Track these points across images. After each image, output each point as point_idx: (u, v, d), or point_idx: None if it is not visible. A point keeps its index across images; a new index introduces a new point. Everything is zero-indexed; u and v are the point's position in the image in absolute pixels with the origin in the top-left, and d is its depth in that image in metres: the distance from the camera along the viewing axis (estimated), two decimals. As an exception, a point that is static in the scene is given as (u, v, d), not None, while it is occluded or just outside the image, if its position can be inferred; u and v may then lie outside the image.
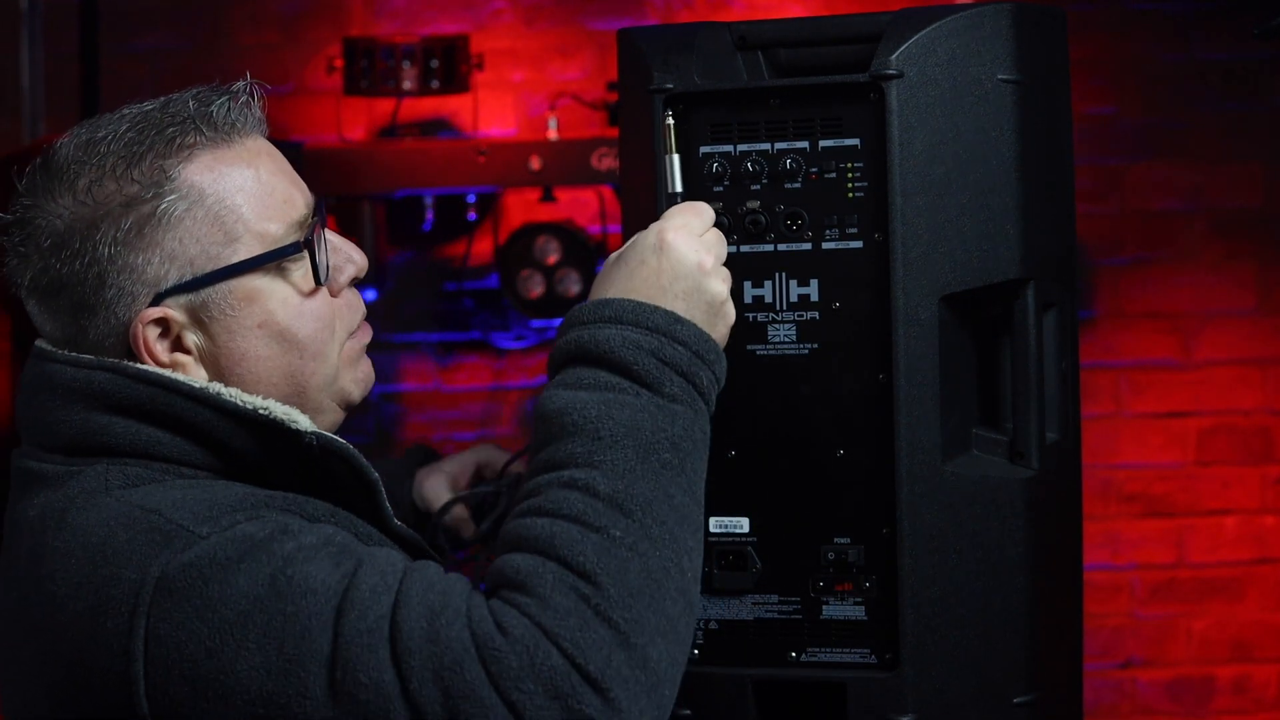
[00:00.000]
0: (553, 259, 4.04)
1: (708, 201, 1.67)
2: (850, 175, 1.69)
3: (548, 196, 4.07)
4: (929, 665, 1.67)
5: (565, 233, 4.05)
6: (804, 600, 1.71)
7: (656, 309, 1.52)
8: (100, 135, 1.51)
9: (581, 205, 4.18)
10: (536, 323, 4.11)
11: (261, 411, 1.48)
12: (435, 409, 4.23)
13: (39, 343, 1.55)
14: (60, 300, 1.51)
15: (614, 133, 3.89)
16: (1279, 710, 4.25)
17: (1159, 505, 4.27)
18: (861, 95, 1.67)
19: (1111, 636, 4.26)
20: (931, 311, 1.66)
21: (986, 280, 1.68)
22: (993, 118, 1.67)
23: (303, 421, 1.49)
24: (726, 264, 1.62)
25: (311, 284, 1.54)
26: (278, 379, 1.53)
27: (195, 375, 1.52)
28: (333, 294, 1.58)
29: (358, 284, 1.64)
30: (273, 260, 1.52)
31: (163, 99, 1.56)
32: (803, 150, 1.70)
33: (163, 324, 1.50)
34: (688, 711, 1.74)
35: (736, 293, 1.68)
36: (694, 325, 1.52)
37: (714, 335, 1.56)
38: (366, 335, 1.63)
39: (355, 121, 4.12)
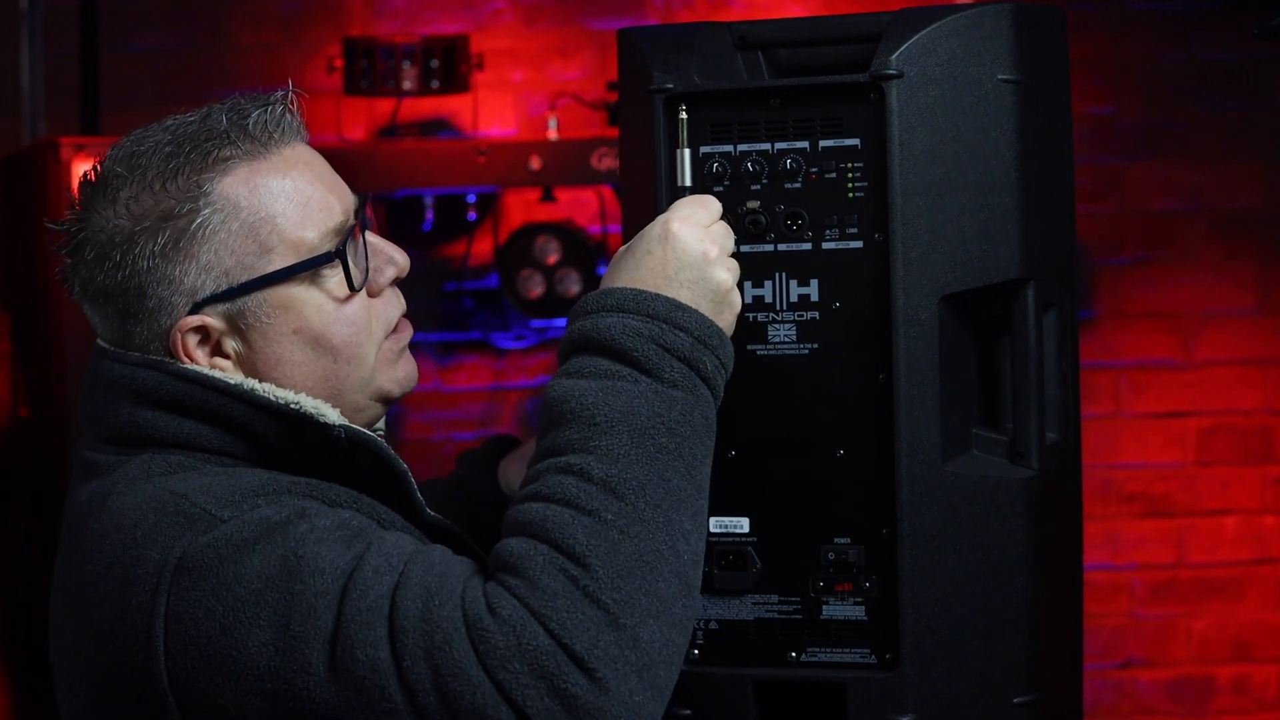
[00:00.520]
0: (553, 259, 4.04)
1: (708, 201, 1.67)
2: (850, 175, 1.69)
3: (548, 196, 4.07)
4: (929, 665, 1.67)
5: (565, 233, 4.05)
6: (804, 600, 1.71)
7: (657, 296, 1.54)
8: (141, 149, 1.57)
9: (581, 205, 4.18)
10: (536, 323, 4.12)
11: (293, 406, 1.54)
12: (435, 409, 4.23)
13: (98, 341, 1.62)
14: (108, 307, 1.57)
15: (614, 133, 3.89)
16: (1279, 710, 4.26)
17: (1159, 505, 4.27)
18: (862, 95, 1.67)
19: (1111, 636, 4.26)
20: (931, 311, 1.66)
21: (986, 280, 1.68)
22: (993, 118, 1.67)
23: (331, 415, 1.54)
24: None
25: (346, 290, 1.59)
26: (314, 381, 1.58)
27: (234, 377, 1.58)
28: (373, 295, 1.63)
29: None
30: (305, 270, 1.57)
31: (205, 110, 1.60)
32: (803, 150, 1.70)
33: (202, 331, 1.56)
34: (688, 711, 1.74)
35: (737, 293, 1.69)
36: (696, 312, 1.55)
37: (719, 323, 1.58)
38: (406, 333, 1.68)
39: (355, 121, 4.12)
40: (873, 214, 1.68)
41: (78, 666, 1.52)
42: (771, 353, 1.71)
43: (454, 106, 4.15)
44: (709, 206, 1.63)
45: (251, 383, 1.55)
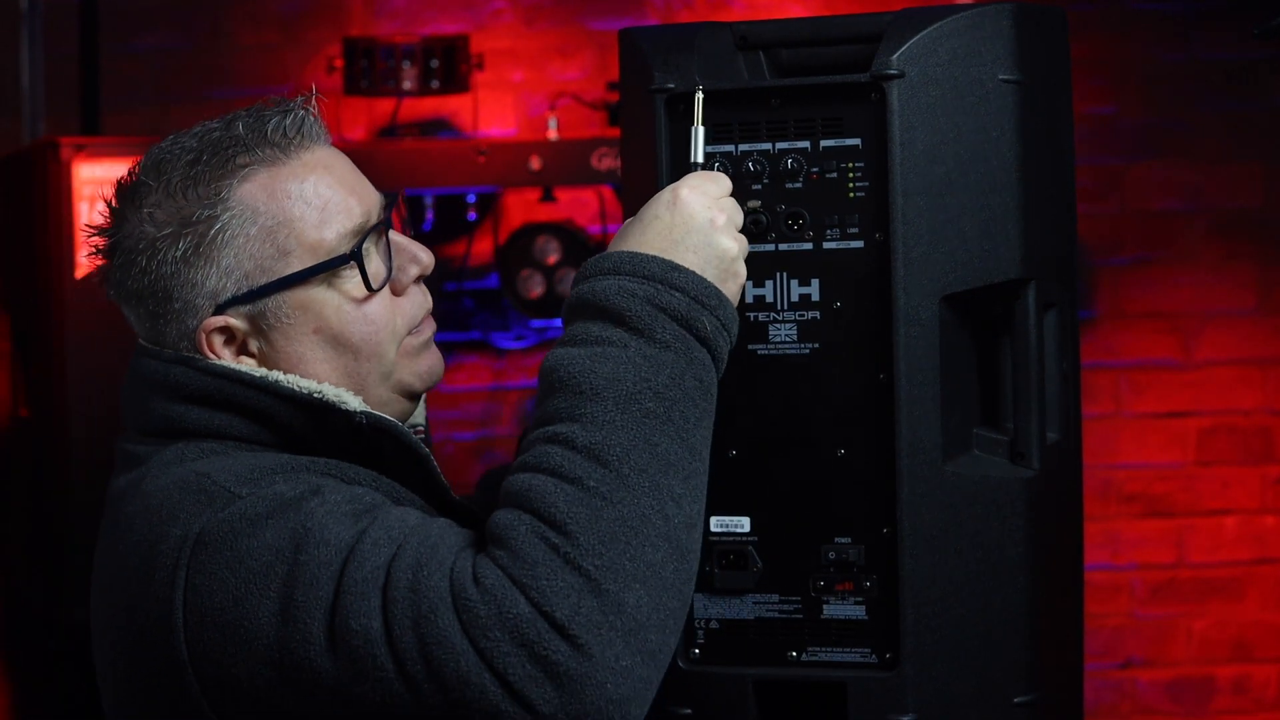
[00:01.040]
0: (553, 259, 4.04)
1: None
2: (851, 175, 1.69)
3: (548, 196, 4.07)
4: (929, 665, 1.67)
5: (565, 233, 4.05)
6: (804, 600, 1.72)
7: (654, 258, 1.56)
8: (167, 156, 1.62)
9: (581, 205, 4.18)
10: (536, 323, 4.12)
11: (315, 395, 1.58)
12: (435, 409, 4.21)
13: (138, 339, 1.68)
14: (140, 309, 1.64)
15: (614, 133, 3.89)
16: (1279, 710, 4.26)
17: (1159, 505, 4.27)
18: (862, 95, 1.67)
19: (1111, 636, 4.27)
20: (932, 311, 1.66)
21: (987, 280, 1.68)
22: (993, 118, 1.67)
23: (353, 402, 1.59)
24: None
25: (365, 291, 1.62)
26: (336, 378, 1.62)
27: None
28: (397, 293, 1.66)
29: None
30: (322, 272, 1.61)
31: (230, 116, 1.65)
32: (804, 150, 1.70)
33: (226, 331, 1.62)
34: (688, 711, 1.74)
35: (737, 292, 1.69)
36: (693, 273, 1.56)
37: (724, 290, 1.58)
38: (428, 329, 1.70)
39: (355, 121, 4.12)
40: (873, 214, 1.68)
41: (112, 642, 1.57)
42: (772, 352, 1.71)
43: (454, 106, 4.15)
44: (719, 180, 1.64)
45: (276, 374, 1.60)
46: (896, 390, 1.66)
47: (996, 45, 1.67)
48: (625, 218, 1.79)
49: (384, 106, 4.10)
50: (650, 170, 1.72)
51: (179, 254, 1.59)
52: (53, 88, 4.10)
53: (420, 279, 1.69)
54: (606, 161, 3.84)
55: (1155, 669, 4.28)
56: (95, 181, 3.41)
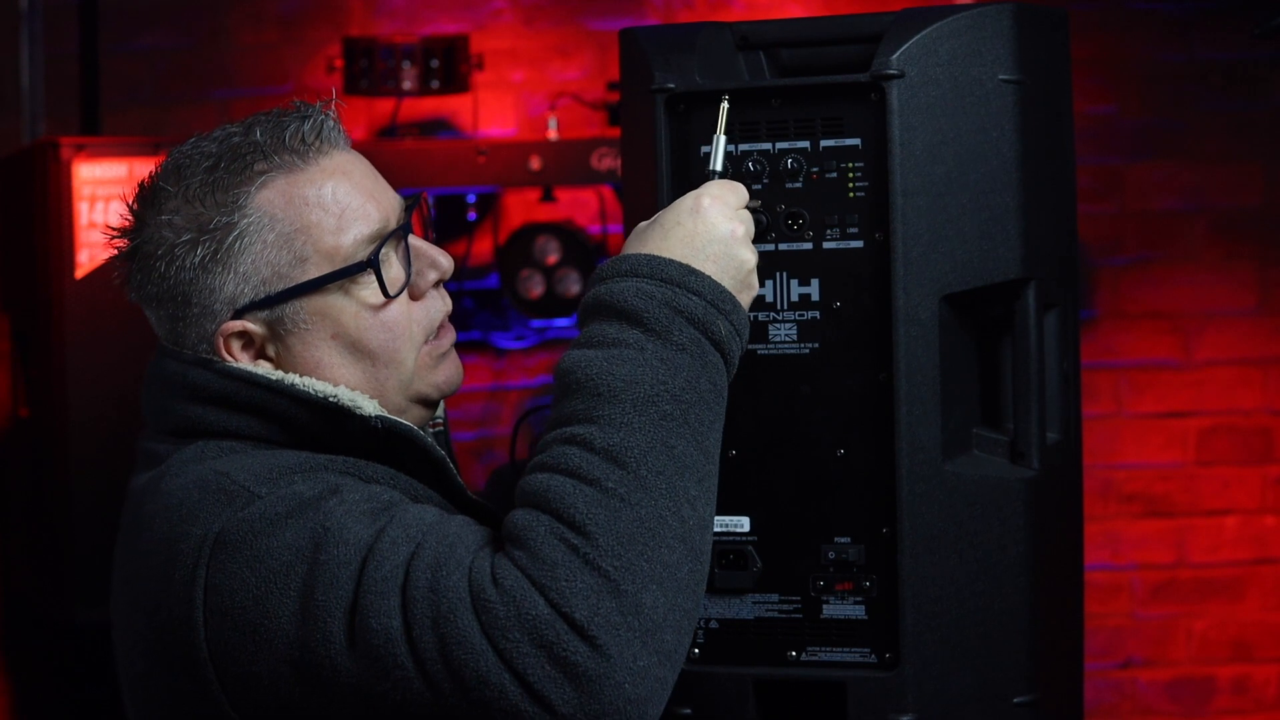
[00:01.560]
0: (553, 259, 4.04)
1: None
2: (851, 175, 1.69)
3: (548, 196, 4.07)
4: (929, 665, 1.67)
5: (565, 233, 4.05)
6: (804, 599, 1.72)
7: (672, 262, 1.56)
8: (186, 161, 1.63)
9: (581, 205, 4.18)
10: (536, 323, 4.11)
11: (330, 399, 1.59)
12: (435, 409, 4.22)
13: (159, 339, 1.70)
14: (160, 311, 1.66)
15: (614, 133, 3.89)
16: (1279, 710, 4.26)
17: (1159, 505, 4.27)
18: (863, 95, 1.67)
19: (1111, 636, 4.26)
20: (932, 311, 1.67)
21: (987, 280, 1.68)
22: (994, 118, 1.67)
23: (368, 406, 1.60)
24: None
25: (381, 297, 1.63)
26: (355, 383, 1.64)
27: None
28: (415, 298, 1.67)
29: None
30: (338, 279, 1.62)
31: (249, 120, 1.65)
32: (804, 150, 1.70)
33: (244, 335, 1.63)
34: (688, 710, 1.74)
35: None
36: (710, 278, 1.56)
37: (739, 300, 1.59)
38: (448, 338, 1.70)
39: (355, 121, 4.12)
40: (873, 214, 1.68)
41: (133, 641, 1.59)
42: (772, 352, 1.71)
43: (454, 106, 4.15)
44: (738, 191, 1.65)
45: (292, 377, 1.61)
46: (896, 390, 1.66)
47: (996, 45, 1.67)
48: (626, 217, 1.79)
49: (384, 106, 4.10)
50: (650, 170, 1.72)
51: (197, 260, 1.61)
52: (53, 88, 4.09)
53: (439, 283, 1.69)
54: (606, 161, 3.84)
55: (1155, 669, 4.28)
56: (95, 181, 3.40)
